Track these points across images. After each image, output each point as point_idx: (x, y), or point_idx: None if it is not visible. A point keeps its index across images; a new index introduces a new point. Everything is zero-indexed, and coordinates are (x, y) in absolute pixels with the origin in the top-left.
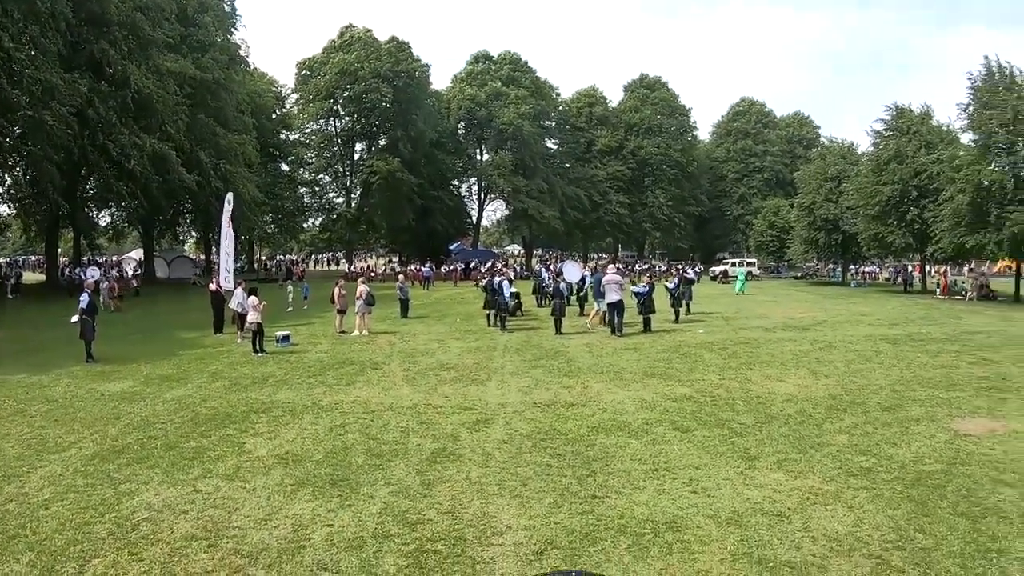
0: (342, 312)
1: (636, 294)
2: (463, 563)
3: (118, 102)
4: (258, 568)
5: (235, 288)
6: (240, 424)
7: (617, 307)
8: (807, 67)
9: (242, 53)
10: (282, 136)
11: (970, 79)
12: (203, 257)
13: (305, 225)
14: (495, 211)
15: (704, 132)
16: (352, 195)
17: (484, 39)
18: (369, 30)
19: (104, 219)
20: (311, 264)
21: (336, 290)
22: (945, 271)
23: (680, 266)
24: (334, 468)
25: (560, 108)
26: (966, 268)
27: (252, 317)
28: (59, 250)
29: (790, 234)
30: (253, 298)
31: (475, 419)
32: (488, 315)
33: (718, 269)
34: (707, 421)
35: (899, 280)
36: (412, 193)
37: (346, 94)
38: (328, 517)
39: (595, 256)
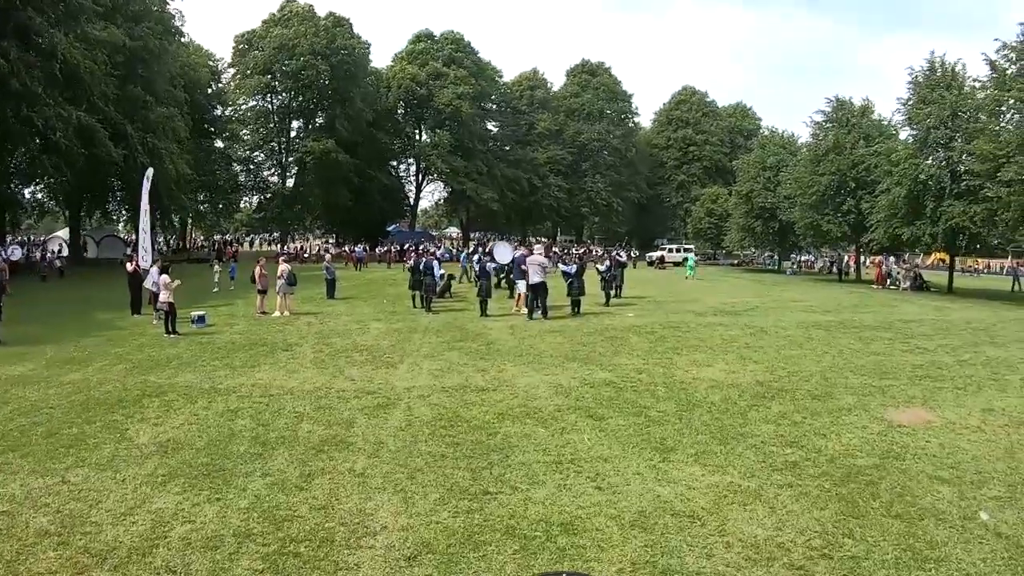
0: (263, 292)
1: (565, 274)
2: (324, 569)
3: (45, 72)
4: (103, 570)
5: (151, 267)
6: (130, 409)
7: (539, 289)
8: (751, 63)
9: (177, 23)
10: (217, 112)
11: (911, 75)
12: (133, 236)
13: (241, 204)
14: (432, 192)
15: (646, 119)
16: (288, 174)
17: (428, 18)
18: (309, 5)
19: (29, 195)
20: (246, 244)
21: (257, 270)
22: (880, 260)
23: (612, 249)
24: (213, 457)
25: (502, 90)
26: (891, 258)
27: (163, 297)
28: None
29: (728, 222)
30: (164, 277)
31: (376, 404)
32: (413, 296)
33: (655, 254)
34: (624, 408)
35: (834, 269)
36: (349, 173)
37: (284, 69)
38: (192, 512)
39: (533, 239)
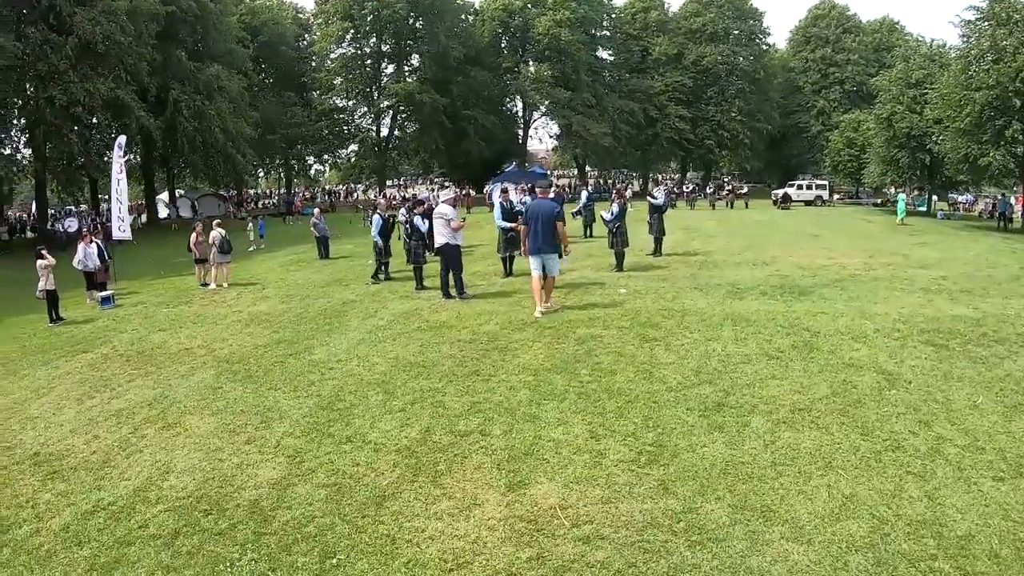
0: (201, 262)
1: (608, 222)
2: None
3: (73, 50)
4: None
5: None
6: None
7: (444, 255)
8: None
9: None
10: (313, 64)
11: None
12: (233, 192)
13: (343, 153)
14: (537, 129)
15: (780, 41)
16: (382, 120)
17: None
18: None
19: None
20: (346, 195)
21: (192, 237)
22: None
23: (654, 185)
24: None
25: (612, 15)
26: None
27: (41, 284)
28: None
29: (868, 153)
30: (40, 260)
31: None
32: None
33: (779, 192)
34: None
35: (995, 214)
36: (441, 115)
37: (364, 12)
38: None
39: (656, 177)
